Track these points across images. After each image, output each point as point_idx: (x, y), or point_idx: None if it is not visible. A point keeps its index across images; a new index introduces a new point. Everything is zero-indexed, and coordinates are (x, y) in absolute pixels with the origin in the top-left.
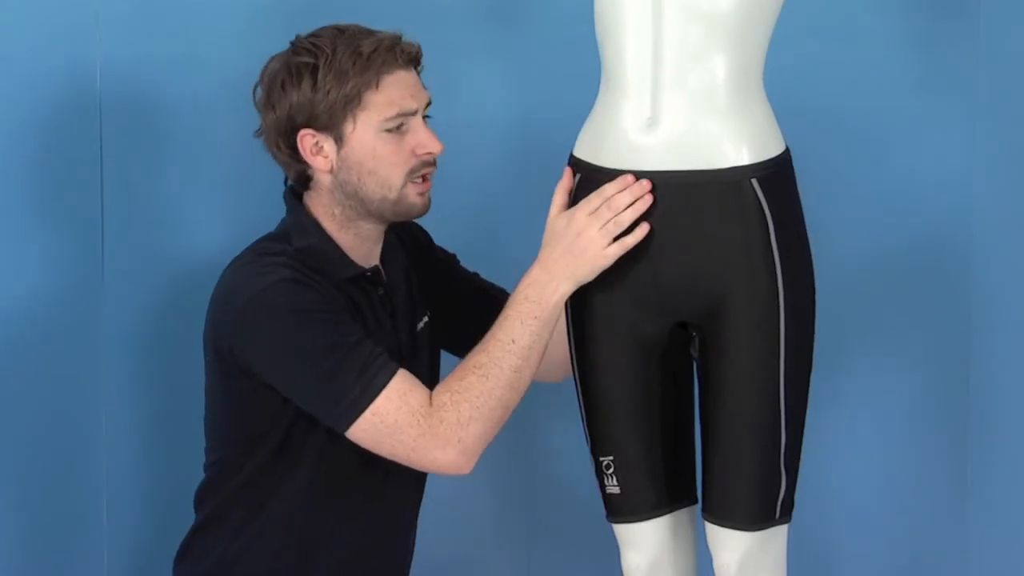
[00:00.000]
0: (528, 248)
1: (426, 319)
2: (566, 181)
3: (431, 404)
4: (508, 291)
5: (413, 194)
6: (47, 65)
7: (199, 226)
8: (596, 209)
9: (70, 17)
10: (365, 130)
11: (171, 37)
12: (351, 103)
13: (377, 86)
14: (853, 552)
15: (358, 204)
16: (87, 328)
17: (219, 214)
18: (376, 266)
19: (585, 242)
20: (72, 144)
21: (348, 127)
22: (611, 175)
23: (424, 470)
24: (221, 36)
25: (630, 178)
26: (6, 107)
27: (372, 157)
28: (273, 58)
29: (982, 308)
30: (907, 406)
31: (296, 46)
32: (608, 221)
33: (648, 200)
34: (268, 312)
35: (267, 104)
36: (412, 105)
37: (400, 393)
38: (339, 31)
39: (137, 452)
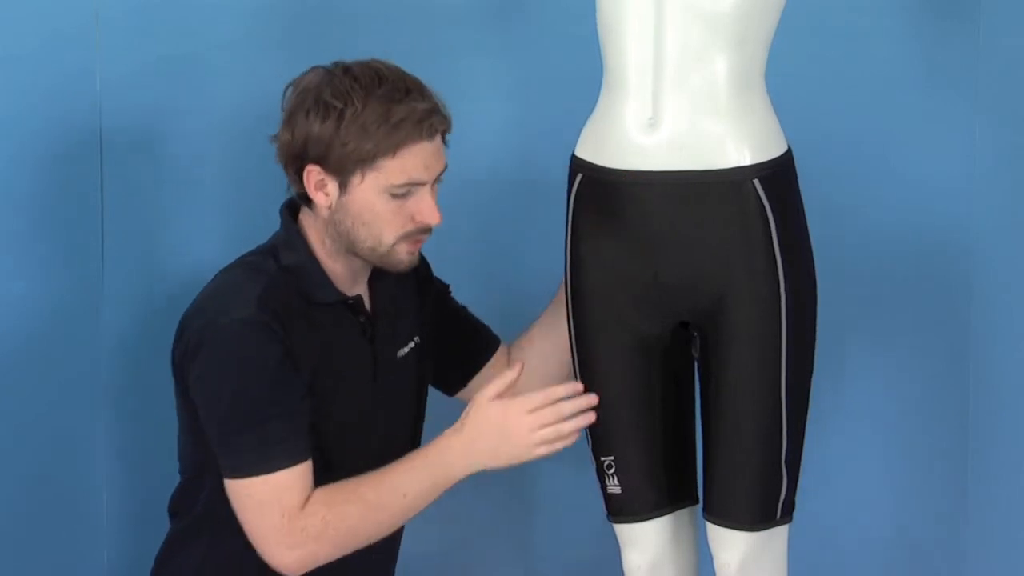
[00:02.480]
0: (528, 248)
1: (412, 344)
2: (511, 374)
3: (303, 508)
4: (490, 329)
5: (402, 251)
6: (46, 76)
7: (198, 237)
8: (537, 409)
9: (69, 27)
10: (370, 187)
11: (171, 51)
12: (364, 162)
13: (394, 154)
14: (853, 552)
15: (348, 244)
16: (87, 333)
17: (218, 225)
18: (358, 296)
19: (516, 440)
20: (72, 154)
21: (356, 179)
22: (613, 175)
23: (260, 555)
24: (222, 46)
25: (579, 386)
26: (6, 118)
27: (370, 212)
28: (314, 71)
29: (982, 308)
30: (907, 406)
31: (334, 80)
32: (548, 427)
33: (590, 416)
34: (216, 346)
35: (288, 122)
36: (424, 177)
37: (282, 487)
38: (379, 79)
39: (137, 454)
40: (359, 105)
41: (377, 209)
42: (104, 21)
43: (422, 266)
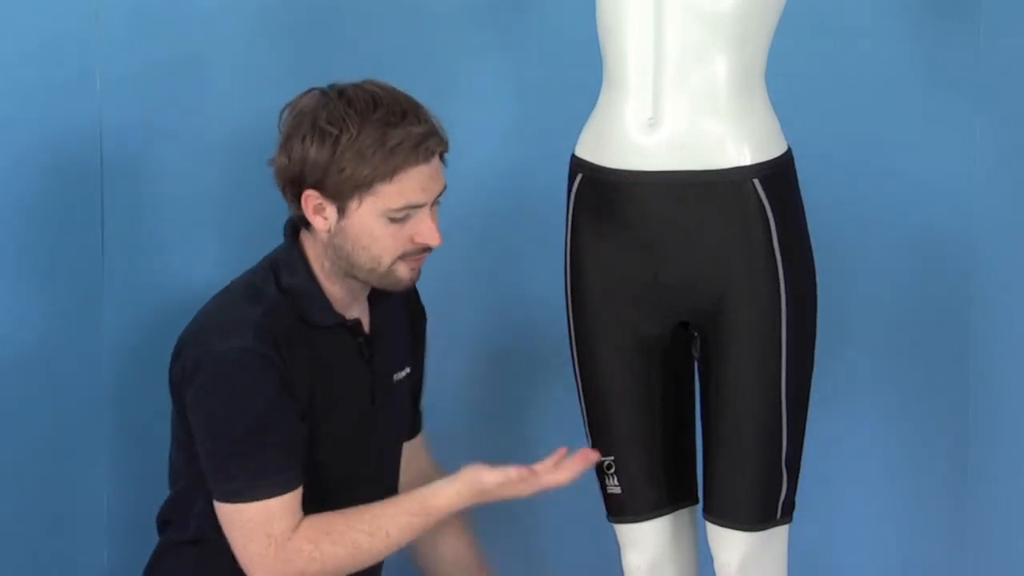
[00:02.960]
0: (527, 248)
1: (407, 371)
2: (515, 475)
3: (291, 538)
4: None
5: (403, 270)
6: (46, 76)
7: (199, 238)
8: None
9: (69, 27)
10: (368, 212)
11: (171, 51)
12: (362, 187)
13: (391, 179)
14: (853, 553)
15: (348, 266)
16: (87, 336)
17: (219, 226)
18: (357, 319)
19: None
20: (72, 154)
21: (353, 204)
22: (613, 175)
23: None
24: (222, 47)
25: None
26: (6, 119)
27: (369, 236)
28: (310, 94)
29: (982, 308)
30: (907, 406)
31: (328, 104)
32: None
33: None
34: (213, 373)
35: (284, 146)
36: (422, 199)
37: (272, 515)
38: (374, 103)
39: (137, 456)
40: (354, 131)
41: (376, 233)
42: (104, 21)
43: (416, 304)
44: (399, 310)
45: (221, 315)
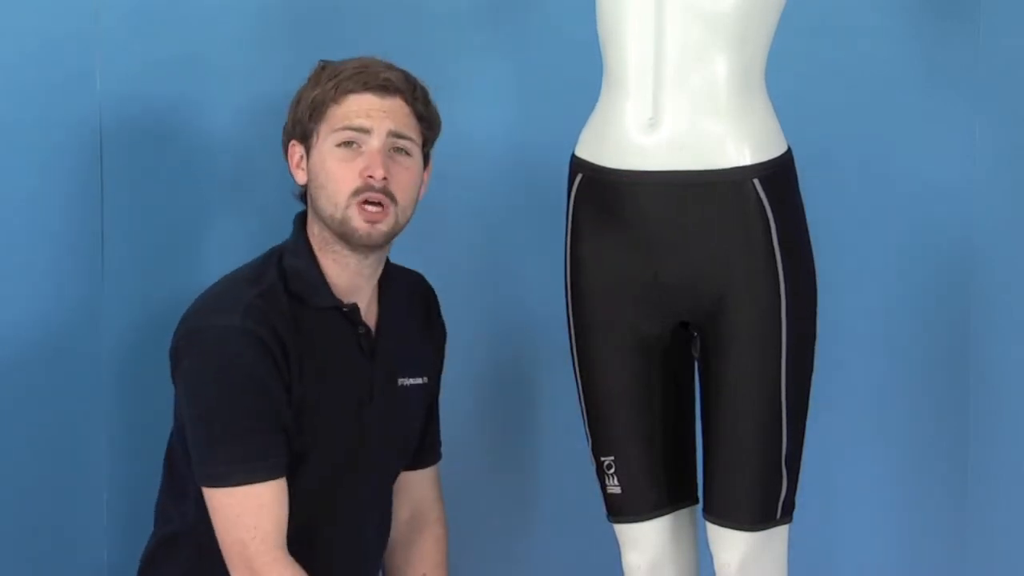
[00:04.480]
0: (527, 248)
1: (420, 381)
2: None
3: (277, 558)
4: (441, 443)
5: (356, 217)
6: (46, 76)
7: (198, 238)
8: None
9: (69, 27)
10: (323, 142)
11: (171, 51)
12: (316, 112)
13: (337, 100)
14: (853, 553)
15: (321, 221)
16: (88, 333)
17: (219, 226)
18: (354, 304)
19: None
20: (72, 155)
21: (315, 138)
22: (613, 175)
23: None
24: (222, 46)
25: None
26: (6, 118)
27: (324, 172)
28: None
29: (982, 308)
30: (907, 406)
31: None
32: None
33: None
34: (197, 350)
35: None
36: (365, 123)
37: (263, 503)
38: (355, 60)
39: (137, 454)
40: (319, 71)
41: (328, 165)
42: (104, 21)
43: (437, 316)
44: (417, 314)
45: (218, 296)
